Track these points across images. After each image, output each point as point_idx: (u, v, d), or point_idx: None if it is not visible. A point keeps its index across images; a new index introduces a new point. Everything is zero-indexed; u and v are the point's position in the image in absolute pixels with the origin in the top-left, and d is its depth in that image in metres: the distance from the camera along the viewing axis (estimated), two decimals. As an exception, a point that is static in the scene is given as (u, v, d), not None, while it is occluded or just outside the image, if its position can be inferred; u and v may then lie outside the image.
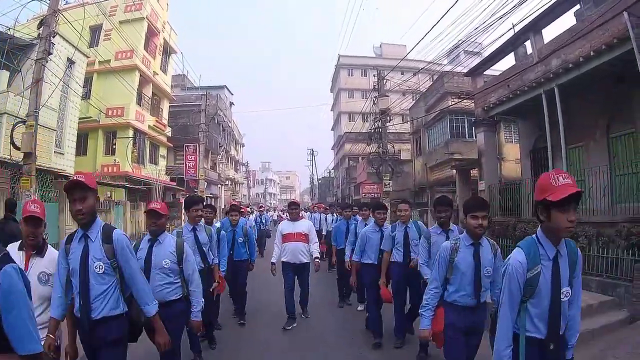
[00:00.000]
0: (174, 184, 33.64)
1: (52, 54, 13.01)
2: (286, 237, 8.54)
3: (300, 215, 9.43)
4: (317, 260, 8.70)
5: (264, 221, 23.23)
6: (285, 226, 8.76)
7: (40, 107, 12.58)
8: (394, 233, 7.34)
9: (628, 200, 10.96)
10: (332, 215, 17.39)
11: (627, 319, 7.93)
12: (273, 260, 8.73)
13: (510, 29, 14.69)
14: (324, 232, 16.86)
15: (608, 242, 9.89)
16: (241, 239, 9.15)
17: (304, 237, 8.57)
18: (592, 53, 11.07)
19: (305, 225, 8.81)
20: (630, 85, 10.49)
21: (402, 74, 35.57)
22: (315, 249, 8.77)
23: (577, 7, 14.25)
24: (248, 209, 25.69)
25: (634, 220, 9.80)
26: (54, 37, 12.99)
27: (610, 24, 10.12)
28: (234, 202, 11.00)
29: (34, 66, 12.69)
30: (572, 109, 13.04)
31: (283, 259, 8.58)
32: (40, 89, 12.36)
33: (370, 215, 9.52)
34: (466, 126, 24.52)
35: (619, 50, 10.28)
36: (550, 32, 14.26)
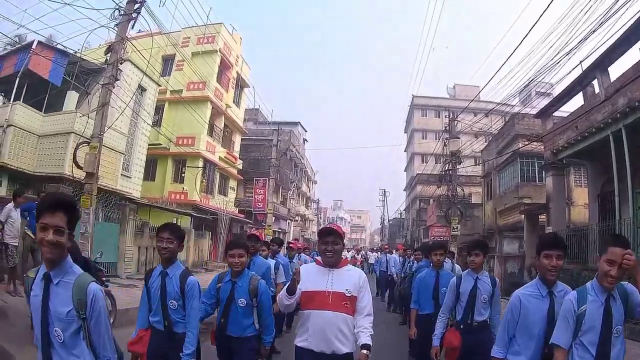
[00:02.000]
0: (242, 216, 34.05)
1: (119, 79, 13.50)
2: (310, 299, 4.13)
3: (346, 258, 6.51)
4: (366, 352, 3.93)
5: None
6: (311, 275, 4.22)
7: (106, 129, 13.11)
8: (458, 283, 5.65)
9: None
10: (402, 259, 15.61)
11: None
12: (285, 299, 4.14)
13: (577, 65, 14.00)
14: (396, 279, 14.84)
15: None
16: (243, 300, 5.03)
17: (348, 304, 4.10)
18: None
19: (352, 279, 4.21)
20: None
21: (475, 115, 34.79)
22: (367, 327, 4.07)
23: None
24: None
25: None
26: (121, 63, 13.53)
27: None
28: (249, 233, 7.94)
29: (100, 90, 13.14)
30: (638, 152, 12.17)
31: (299, 342, 4.17)
32: (106, 112, 12.85)
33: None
34: (536, 169, 23.58)
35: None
36: (618, 70, 13.47)
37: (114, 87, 13.23)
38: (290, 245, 12.50)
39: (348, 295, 4.04)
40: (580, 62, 13.66)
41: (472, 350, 5.18)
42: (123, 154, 20.32)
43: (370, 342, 3.99)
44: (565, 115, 18.21)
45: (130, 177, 21.89)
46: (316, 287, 4.07)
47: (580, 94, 16.24)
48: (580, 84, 15.17)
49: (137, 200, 21.39)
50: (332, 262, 4.15)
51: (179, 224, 24.02)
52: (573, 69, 14.04)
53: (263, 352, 5.21)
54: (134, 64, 20.13)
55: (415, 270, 9.69)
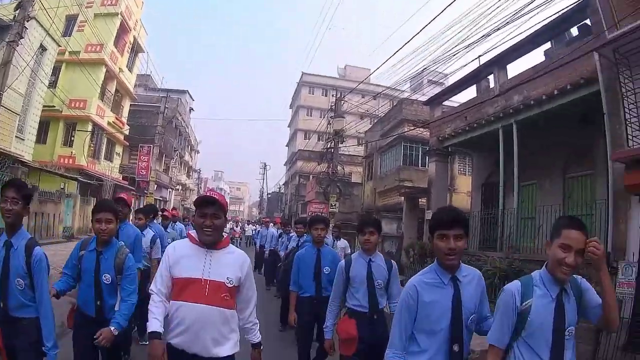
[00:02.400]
0: (126, 182, 33.36)
1: (23, 37, 12.73)
2: (182, 288, 3.33)
3: (227, 236, 4.05)
4: (258, 351, 3.65)
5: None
6: (184, 257, 3.41)
7: (5, 89, 12.38)
8: (348, 267, 4.88)
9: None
10: (279, 232, 14.67)
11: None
12: (153, 327, 3.26)
13: (475, 59, 14.53)
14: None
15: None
16: (107, 276, 4.52)
17: (227, 296, 3.36)
18: (555, 92, 11.05)
19: (234, 264, 3.47)
20: (592, 127, 10.37)
21: (363, 97, 35.45)
22: (255, 323, 3.60)
23: (549, 45, 14.25)
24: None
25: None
26: (28, 21, 12.86)
27: (578, 63, 10.00)
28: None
29: (4, 48, 12.43)
30: (529, 146, 13.00)
31: (171, 339, 3.32)
32: (7, 71, 12.20)
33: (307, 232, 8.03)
34: (420, 154, 24.48)
35: (585, 91, 10.28)
36: (515, 68, 14.21)
37: (17, 46, 12.38)
38: (165, 214, 11.11)
39: (229, 285, 3.29)
40: (479, 56, 14.15)
41: (371, 344, 4.48)
42: (19, 114, 19.27)
43: (260, 340, 3.60)
44: (455, 105, 18.99)
45: (23, 139, 20.97)
46: (190, 273, 3.25)
47: (474, 87, 16.96)
48: (475, 78, 15.79)
49: (29, 163, 20.59)
50: (211, 240, 3.31)
51: (66, 188, 23.22)
52: (471, 61, 14.69)
53: (105, 334, 3.96)
54: (39, 23, 18.88)
55: (300, 245, 8.86)
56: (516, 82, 12.82)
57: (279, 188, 68.36)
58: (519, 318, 2.69)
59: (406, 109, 24.84)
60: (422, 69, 17.76)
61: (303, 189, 45.69)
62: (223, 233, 3.47)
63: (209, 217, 3.25)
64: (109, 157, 31.82)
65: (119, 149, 33.62)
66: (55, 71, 25.35)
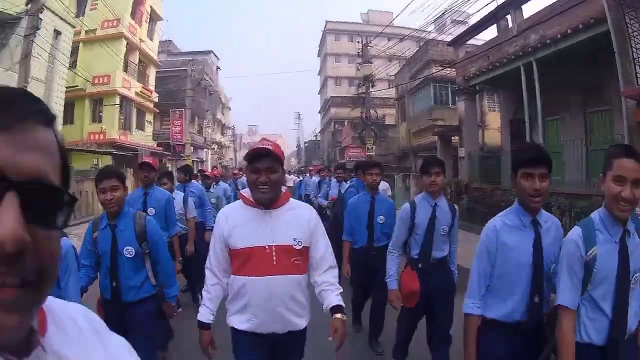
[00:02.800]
0: (161, 149, 33.51)
1: (39, 29, 12.86)
2: (245, 260, 2.78)
3: (288, 184, 4.52)
4: (340, 317, 2.78)
5: (239, 188, 11.85)
6: (240, 223, 2.84)
7: (30, 81, 12.54)
8: (413, 212, 4.39)
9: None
10: (318, 180, 12.85)
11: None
12: (203, 317, 2.90)
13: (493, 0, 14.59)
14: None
15: (581, 213, 10.18)
16: (130, 249, 4.26)
17: (298, 259, 2.82)
18: (569, 31, 11.27)
19: (300, 221, 2.88)
20: (604, 65, 10.63)
21: (389, 40, 35.13)
22: (332, 283, 2.90)
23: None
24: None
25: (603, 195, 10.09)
26: (41, 12, 12.87)
27: (588, 4, 10.19)
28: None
29: (22, 42, 12.56)
30: (549, 83, 13.24)
31: (238, 324, 2.82)
32: (29, 63, 12.32)
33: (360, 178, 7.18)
34: (449, 93, 24.57)
35: (596, 30, 10.50)
36: (532, 8, 14.27)
37: (35, 37, 12.66)
38: (206, 173, 10.34)
39: (298, 247, 2.74)
40: None
41: (433, 294, 4.24)
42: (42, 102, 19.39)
43: (342, 303, 2.83)
44: (479, 44, 19.06)
45: None
46: (251, 241, 2.71)
47: (495, 27, 17.04)
48: (494, 18, 15.88)
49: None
50: (269, 198, 2.72)
51: (99, 163, 23.58)
52: (489, 3, 14.58)
53: (168, 311, 4.07)
54: (50, 10, 18.73)
55: (345, 192, 8.11)
56: (532, 21, 13.03)
57: (315, 136, 68.01)
58: (585, 270, 2.37)
59: (432, 50, 24.84)
60: (445, 10, 17.83)
61: (339, 135, 45.82)
62: (282, 187, 2.84)
63: (264, 172, 2.66)
64: (141, 127, 32.19)
65: (149, 117, 33.63)
66: (73, 52, 24.98)
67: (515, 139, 16.47)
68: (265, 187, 2.68)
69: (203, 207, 7.64)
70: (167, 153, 34.13)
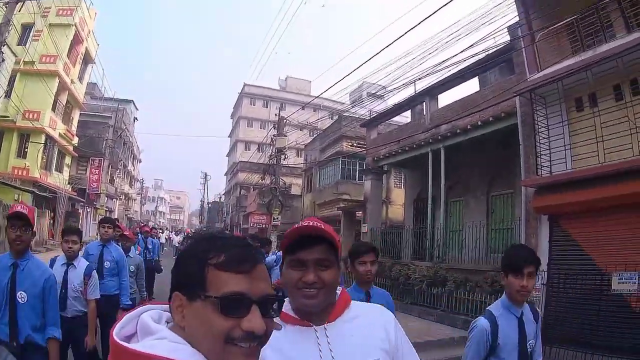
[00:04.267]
0: (75, 194, 32.41)
1: None
2: None
3: (342, 290, 1.97)
4: None
5: (149, 248, 12.49)
6: (283, 356, 1.65)
7: None
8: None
9: (500, 252, 11.99)
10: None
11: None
12: None
13: (412, 83, 15.20)
14: None
15: (474, 286, 10.79)
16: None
17: None
18: (479, 122, 12.30)
19: (374, 332, 1.78)
20: (510, 151, 11.60)
21: (303, 108, 36.12)
22: None
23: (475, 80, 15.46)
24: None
25: (499, 270, 10.76)
26: (3, 45, 12.43)
27: (501, 98, 11.13)
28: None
29: None
30: (457, 166, 14.29)
31: None
32: None
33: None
34: (357, 169, 25.18)
35: (506, 123, 11.55)
36: (448, 97, 15.32)
37: None
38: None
39: None
40: (415, 81, 14.81)
41: None
42: None
43: None
44: (392, 125, 20.05)
45: None
46: None
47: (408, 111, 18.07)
48: (410, 103, 16.85)
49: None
50: (319, 306, 1.72)
51: (20, 200, 22.55)
52: (411, 83, 15.01)
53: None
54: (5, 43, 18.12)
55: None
56: (444, 112, 14.02)
57: (220, 198, 67.68)
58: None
59: (345, 126, 25.72)
60: (362, 82, 18.48)
61: (244, 200, 45.57)
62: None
63: (312, 266, 1.68)
64: (59, 169, 30.81)
65: (68, 160, 32.71)
66: (10, 81, 24.22)
67: (418, 217, 17.24)
68: (312, 289, 1.67)
69: (119, 276, 6.32)
70: (82, 199, 32.95)
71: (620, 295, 7.37)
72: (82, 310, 4.95)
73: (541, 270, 8.41)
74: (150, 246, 12.24)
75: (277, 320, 1.44)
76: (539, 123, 9.31)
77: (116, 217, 39.30)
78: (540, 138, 9.24)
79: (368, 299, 3.86)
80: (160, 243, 32.17)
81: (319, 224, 1.69)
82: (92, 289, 4.99)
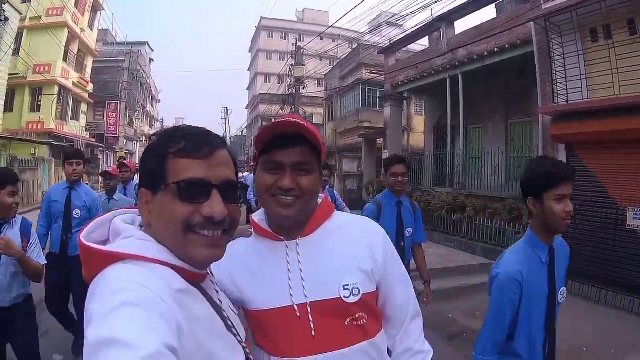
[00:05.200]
0: (94, 140, 32.82)
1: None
2: (265, 326, 1.51)
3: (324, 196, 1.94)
4: None
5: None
6: (249, 266, 1.55)
7: None
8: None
9: (519, 179, 11.99)
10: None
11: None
12: None
13: (428, 7, 15.05)
14: None
15: (494, 214, 10.91)
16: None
17: (359, 317, 1.49)
18: (496, 49, 12.03)
19: (353, 247, 1.55)
20: (527, 80, 11.39)
21: (322, 39, 35.45)
22: (420, 351, 1.63)
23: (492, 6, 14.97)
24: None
25: (518, 197, 10.89)
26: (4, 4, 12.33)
27: (516, 26, 10.89)
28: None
29: None
30: (475, 93, 14.11)
31: None
32: None
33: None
34: (377, 97, 24.91)
35: (521, 50, 11.27)
36: (464, 23, 14.95)
37: None
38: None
39: (353, 300, 1.48)
40: (430, 5, 14.63)
41: None
42: None
43: None
44: (409, 53, 19.71)
45: None
46: (268, 299, 1.51)
47: (426, 38, 17.70)
48: (427, 30, 16.47)
49: None
50: (294, 218, 1.48)
51: (37, 153, 23.07)
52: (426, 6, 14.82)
53: None
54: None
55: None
56: (461, 38, 13.72)
57: (242, 132, 67.76)
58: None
59: (364, 54, 25.32)
60: (380, 12, 18.06)
61: (266, 132, 45.43)
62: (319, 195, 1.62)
63: (290, 169, 1.44)
64: (75, 117, 31.03)
65: (84, 108, 32.88)
66: (17, 38, 24.41)
67: (438, 143, 17.25)
68: (287, 197, 1.44)
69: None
70: (100, 145, 33.37)
71: (635, 231, 7.29)
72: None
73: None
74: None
75: (247, 228, 1.65)
76: (554, 51, 9.11)
77: (140, 159, 40.09)
78: (556, 66, 9.07)
79: (399, 206, 4.40)
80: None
81: (299, 121, 1.41)
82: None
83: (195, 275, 1.12)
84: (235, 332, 1.21)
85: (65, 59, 28.26)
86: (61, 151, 26.20)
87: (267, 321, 1.49)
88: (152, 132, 58.39)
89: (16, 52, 24.40)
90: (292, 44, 29.82)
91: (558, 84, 9.01)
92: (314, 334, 1.44)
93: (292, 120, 1.41)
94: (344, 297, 1.46)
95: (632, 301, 6.86)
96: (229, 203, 1.11)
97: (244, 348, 1.22)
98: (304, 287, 1.47)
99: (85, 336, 0.82)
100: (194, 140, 1.10)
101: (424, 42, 19.30)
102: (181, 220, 1.05)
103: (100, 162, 33.36)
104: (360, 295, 1.47)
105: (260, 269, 1.53)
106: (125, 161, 7.34)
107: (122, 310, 0.84)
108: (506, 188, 12.50)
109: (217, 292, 1.24)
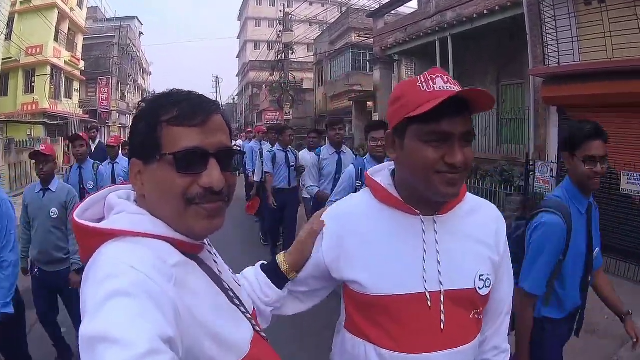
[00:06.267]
0: (87, 116, 32.62)
1: None
2: (385, 314, 1.29)
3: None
4: None
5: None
6: (376, 246, 1.31)
7: None
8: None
9: (510, 142, 11.88)
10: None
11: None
12: None
13: None
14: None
15: (485, 175, 10.79)
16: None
17: (479, 312, 1.36)
18: (485, 11, 11.73)
19: (489, 240, 1.38)
20: (518, 42, 11.12)
21: (311, 4, 34.85)
22: (500, 351, 1.46)
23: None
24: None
25: (509, 159, 10.81)
26: None
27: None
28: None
29: None
30: (465, 55, 13.82)
31: None
32: None
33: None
34: (367, 60, 24.44)
35: (511, 13, 10.96)
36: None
37: None
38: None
39: (484, 293, 1.33)
40: None
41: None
42: None
43: None
44: (397, 16, 19.34)
45: None
46: (398, 282, 1.28)
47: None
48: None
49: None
50: (456, 196, 1.30)
51: (32, 134, 22.91)
52: None
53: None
54: None
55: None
56: (450, 1, 13.37)
57: (233, 99, 67.36)
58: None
59: (353, 18, 24.93)
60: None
61: (257, 99, 45.22)
62: None
63: (457, 142, 1.19)
64: (69, 95, 30.89)
65: (77, 85, 32.69)
66: (9, 23, 24.13)
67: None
68: (457, 173, 1.21)
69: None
70: (94, 121, 33.10)
71: (629, 196, 7.08)
72: None
73: (550, 162, 8.45)
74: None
75: (374, 196, 1.39)
76: (545, 14, 8.88)
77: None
78: (547, 28, 8.85)
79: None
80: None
81: (468, 88, 1.16)
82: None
83: (193, 247, 1.07)
84: (238, 302, 1.14)
85: (56, 39, 28.00)
86: (56, 130, 26.52)
87: (388, 309, 1.28)
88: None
89: (8, 37, 24.24)
90: (281, 11, 29.34)
91: (549, 46, 8.83)
92: (443, 327, 1.26)
93: (469, 89, 1.15)
94: (478, 288, 1.31)
95: (627, 267, 6.77)
96: (225, 171, 1.05)
97: (249, 319, 1.14)
98: (439, 273, 1.28)
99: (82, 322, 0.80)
100: (187, 107, 1.02)
101: (412, 5, 18.91)
102: (180, 192, 0.99)
103: (97, 137, 32.95)
104: (490, 287, 1.34)
105: (385, 244, 1.31)
106: (81, 133, 6.18)
107: (114, 302, 0.79)
108: (498, 150, 12.39)
109: (215, 262, 1.17)
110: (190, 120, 1.01)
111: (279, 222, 7.56)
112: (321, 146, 7.08)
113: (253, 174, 9.48)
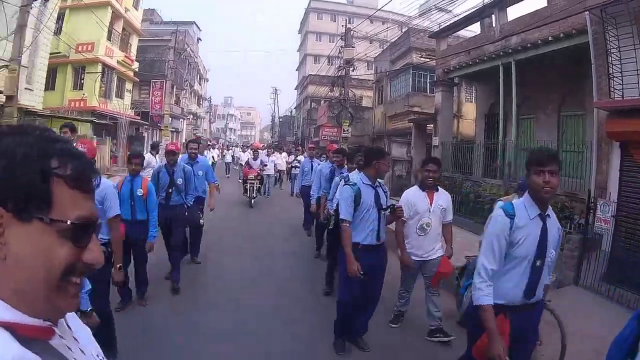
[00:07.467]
0: (138, 118, 33.30)
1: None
2: None
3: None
4: None
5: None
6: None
7: (24, 50, 12.26)
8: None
9: (570, 175, 11.58)
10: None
11: (555, 282, 8.65)
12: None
13: None
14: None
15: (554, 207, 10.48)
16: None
17: None
18: (550, 38, 11.62)
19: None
20: (581, 71, 10.98)
21: (371, 22, 35.00)
22: None
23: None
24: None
25: (569, 195, 10.54)
26: None
27: (570, 14, 10.45)
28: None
29: (19, 12, 12.19)
30: (527, 82, 13.69)
31: None
32: (24, 34, 11.99)
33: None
34: (428, 81, 24.56)
35: (577, 41, 10.85)
36: (516, 11, 14.52)
37: (31, 8, 12.38)
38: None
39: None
40: None
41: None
42: (26, 67, 18.84)
43: None
44: (460, 38, 19.30)
45: (32, 90, 20.56)
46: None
47: (477, 23, 17.28)
48: (478, 16, 16.13)
49: (40, 112, 20.14)
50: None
51: (79, 130, 23.45)
52: None
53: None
54: None
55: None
56: (515, 25, 13.31)
57: (290, 112, 67.75)
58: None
59: (414, 38, 24.96)
60: None
61: (315, 113, 45.54)
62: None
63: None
64: (120, 95, 31.51)
65: (129, 86, 33.27)
66: (59, 18, 24.59)
67: (489, 132, 16.86)
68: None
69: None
70: (145, 122, 33.99)
71: None
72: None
73: (611, 201, 8.23)
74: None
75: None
76: (610, 43, 8.73)
77: (185, 137, 40.34)
78: (612, 59, 8.71)
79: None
80: (225, 164, 31.78)
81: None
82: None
83: (45, 332, 0.87)
84: None
85: (109, 38, 28.62)
86: (104, 129, 26.93)
87: None
88: (199, 110, 59.11)
89: (58, 32, 24.61)
90: (342, 26, 29.65)
91: (614, 79, 8.65)
92: None
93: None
94: None
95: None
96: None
97: None
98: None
99: None
100: (81, 167, 0.90)
101: (473, 28, 18.87)
102: (63, 266, 0.85)
103: (145, 139, 33.95)
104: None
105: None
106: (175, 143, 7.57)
107: None
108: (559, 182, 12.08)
109: (70, 349, 0.94)
110: (86, 185, 0.91)
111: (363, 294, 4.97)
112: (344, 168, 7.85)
113: (318, 201, 8.64)
